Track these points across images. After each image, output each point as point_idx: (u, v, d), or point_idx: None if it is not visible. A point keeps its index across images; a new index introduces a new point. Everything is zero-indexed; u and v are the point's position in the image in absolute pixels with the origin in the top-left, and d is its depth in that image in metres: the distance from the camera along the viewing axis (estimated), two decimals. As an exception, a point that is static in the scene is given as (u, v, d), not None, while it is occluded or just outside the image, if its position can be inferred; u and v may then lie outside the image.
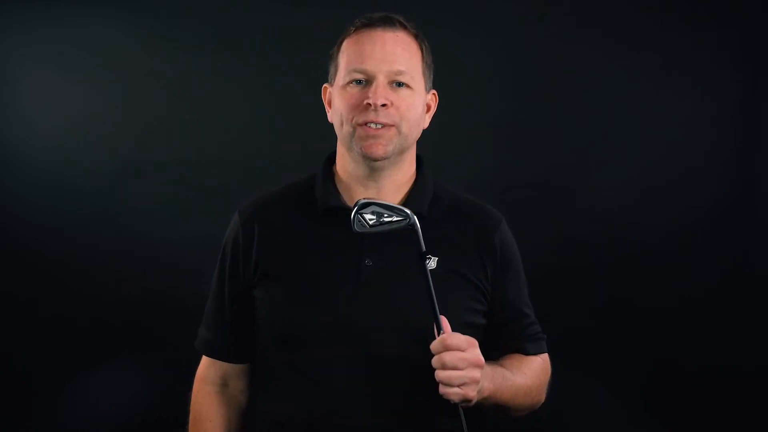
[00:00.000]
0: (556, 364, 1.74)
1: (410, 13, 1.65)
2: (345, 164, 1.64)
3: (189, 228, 2.97)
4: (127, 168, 3.01)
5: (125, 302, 3.00)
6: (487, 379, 1.49)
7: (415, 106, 1.59)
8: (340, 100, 1.59)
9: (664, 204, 2.99)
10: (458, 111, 2.76)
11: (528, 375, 1.63)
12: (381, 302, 1.55)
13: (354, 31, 1.61)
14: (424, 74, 1.62)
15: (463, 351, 1.43)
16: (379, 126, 1.55)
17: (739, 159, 3.02)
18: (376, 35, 1.58)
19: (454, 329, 1.46)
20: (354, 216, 1.44)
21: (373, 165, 1.59)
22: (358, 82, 1.57)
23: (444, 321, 1.46)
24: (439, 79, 1.69)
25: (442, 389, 1.44)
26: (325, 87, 1.68)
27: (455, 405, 1.46)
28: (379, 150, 1.56)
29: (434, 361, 1.44)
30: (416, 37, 1.62)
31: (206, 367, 1.73)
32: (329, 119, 1.66)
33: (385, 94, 1.55)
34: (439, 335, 1.45)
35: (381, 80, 1.56)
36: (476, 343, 1.46)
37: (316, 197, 1.64)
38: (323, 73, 1.67)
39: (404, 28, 1.61)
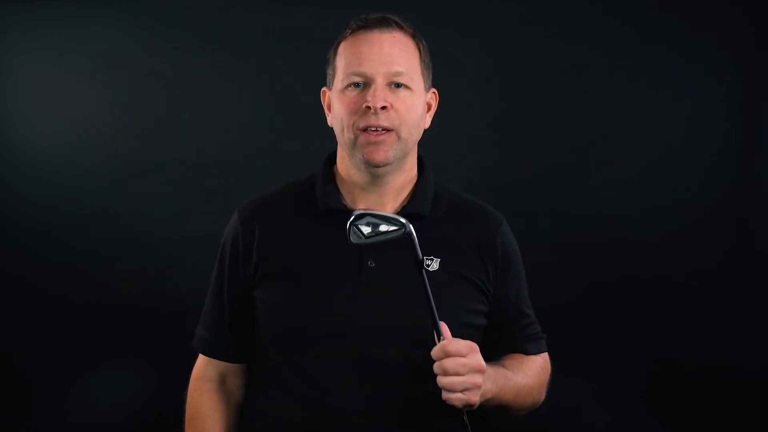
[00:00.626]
0: (557, 363, 1.74)
1: (410, 13, 1.64)
2: (346, 168, 1.63)
3: (189, 228, 2.97)
4: (127, 168, 3.01)
5: (125, 302, 3.00)
6: (489, 380, 1.49)
7: (414, 108, 1.58)
8: (339, 104, 1.58)
9: (664, 204, 2.98)
10: (458, 111, 2.76)
11: (529, 375, 1.64)
12: (381, 303, 1.55)
13: (350, 33, 1.59)
14: (422, 74, 1.61)
15: (464, 357, 1.43)
16: (379, 130, 1.54)
17: (739, 159, 3.02)
18: (373, 37, 1.57)
19: (454, 330, 1.46)
20: (349, 228, 1.42)
21: (374, 171, 1.58)
22: (357, 85, 1.56)
23: (444, 327, 1.45)
24: (439, 79, 1.69)
25: (444, 395, 1.43)
26: (324, 91, 1.67)
27: (458, 409, 1.46)
28: (380, 156, 1.55)
29: (435, 368, 1.43)
30: (413, 36, 1.61)
31: (204, 366, 1.72)
32: (329, 123, 1.64)
33: (384, 96, 1.54)
34: (439, 341, 1.44)
35: (379, 82, 1.54)
36: (477, 347, 1.46)
37: (317, 198, 1.63)
38: (323, 73, 1.66)
39: (401, 28, 1.59)
